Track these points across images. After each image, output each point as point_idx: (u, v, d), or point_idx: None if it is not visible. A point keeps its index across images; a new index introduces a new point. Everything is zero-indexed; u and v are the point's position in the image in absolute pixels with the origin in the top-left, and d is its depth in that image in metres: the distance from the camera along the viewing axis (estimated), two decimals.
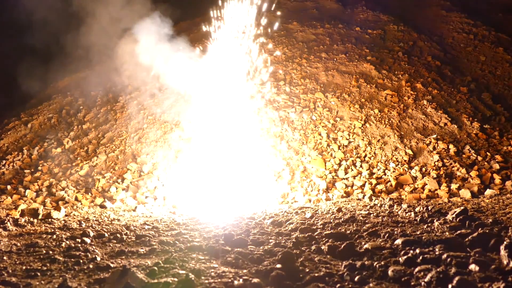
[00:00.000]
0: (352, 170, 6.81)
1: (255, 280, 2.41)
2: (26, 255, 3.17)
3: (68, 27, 8.99)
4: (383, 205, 5.01)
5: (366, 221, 4.10)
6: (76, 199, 6.55)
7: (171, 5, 9.46)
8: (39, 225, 4.52)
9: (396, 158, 6.89)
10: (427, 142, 7.06)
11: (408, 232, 3.41)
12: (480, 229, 3.04)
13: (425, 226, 3.61)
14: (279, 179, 6.97)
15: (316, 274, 2.51)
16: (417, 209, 4.28)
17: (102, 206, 6.23)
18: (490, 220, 3.52)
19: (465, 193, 5.49)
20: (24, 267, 2.81)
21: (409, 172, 6.44)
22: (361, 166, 6.86)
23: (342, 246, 2.99)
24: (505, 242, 2.49)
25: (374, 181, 6.37)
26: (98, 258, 3.02)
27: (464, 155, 6.65)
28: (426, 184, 5.99)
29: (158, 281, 2.43)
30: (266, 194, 6.55)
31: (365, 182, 6.43)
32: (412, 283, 2.30)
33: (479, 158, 6.53)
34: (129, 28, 8.77)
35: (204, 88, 7.67)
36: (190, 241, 3.58)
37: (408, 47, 10.67)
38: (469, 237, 2.89)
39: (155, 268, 2.67)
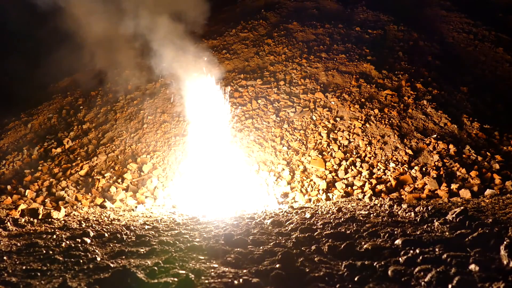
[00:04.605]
0: (352, 170, 6.80)
1: (255, 280, 2.41)
2: (26, 255, 3.17)
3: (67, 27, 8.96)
4: (383, 205, 5.01)
5: (366, 221, 4.10)
6: (76, 199, 6.55)
7: None
8: (39, 225, 4.52)
9: (396, 158, 6.89)
10: (427, 142, 7.05)
11: (408, 232, 3.41)
12: (480, 229, 3.04)
13: (425, 226, 3.61)
14: (279, 179, 6.97)
15: (316, 274, 2.51)
16: (417, 209, 4.28)
17: (102, 206, 6.23)
18: (490, 220, 3.52)
19: (465, 193, 5.48)
20: (24, 267, 2.81)
21: (409, 172, 6.44)
22: (361, 166, 6.86)
23: (342, 246, 2.99)
24: (505, 242, 2.49)
25: (374, 181, 6.37)
26: (98, 258, 3.02)
27: (464, 155, 6.65)
28: (426, 184, 5.98)
29: (158, 281, 2.44)
30: (266, 194, 6.56)
31: (365, 182, 6.42)
32: (412, 283, 2.30)
33: (479, 158, 6.52)
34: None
35: (204, 89, 7.67)
36: (190, 241, 3.58)
37: (408, 47, 10.66)
38: (469, 237, 2.89)
39: (155, 268, 2.67)
